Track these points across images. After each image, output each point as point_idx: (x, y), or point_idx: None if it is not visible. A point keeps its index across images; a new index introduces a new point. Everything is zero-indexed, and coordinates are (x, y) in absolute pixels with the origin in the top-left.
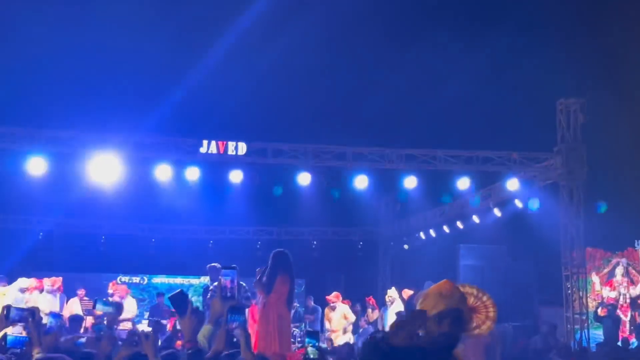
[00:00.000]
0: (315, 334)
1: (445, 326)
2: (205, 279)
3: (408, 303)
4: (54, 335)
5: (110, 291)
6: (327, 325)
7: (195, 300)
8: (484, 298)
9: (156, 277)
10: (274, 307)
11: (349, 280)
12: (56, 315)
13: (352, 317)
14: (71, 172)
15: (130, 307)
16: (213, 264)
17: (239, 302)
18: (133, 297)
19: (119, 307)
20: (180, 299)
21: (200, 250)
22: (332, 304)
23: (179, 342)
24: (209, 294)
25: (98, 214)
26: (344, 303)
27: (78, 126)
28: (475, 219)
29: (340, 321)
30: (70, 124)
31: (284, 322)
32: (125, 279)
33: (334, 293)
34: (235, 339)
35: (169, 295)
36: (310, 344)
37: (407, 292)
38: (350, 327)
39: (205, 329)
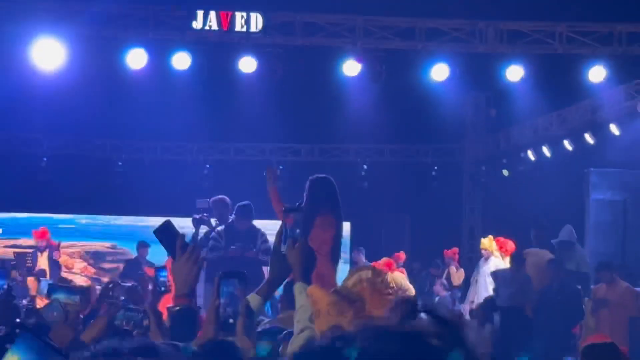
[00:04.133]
0: None
1: None
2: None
3: (515, 258)
4: None
5: (37, 242)
6: None
7: None
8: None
9: (124, 219)
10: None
11: (417, 224)
12: None
13: (408, 290)
14: None
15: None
16: (220, 197)
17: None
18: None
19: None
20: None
21: (190, 178)
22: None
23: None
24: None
25: (37, 123)
26: (398, 271)
27: None
28: (614, 129)
29: None
30: None
31: (328, 287)
32: (82, 221)
33: (383, 259)
34: (231, 320)
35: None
36: None
37: (507, 243)
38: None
39: (254, 299)
